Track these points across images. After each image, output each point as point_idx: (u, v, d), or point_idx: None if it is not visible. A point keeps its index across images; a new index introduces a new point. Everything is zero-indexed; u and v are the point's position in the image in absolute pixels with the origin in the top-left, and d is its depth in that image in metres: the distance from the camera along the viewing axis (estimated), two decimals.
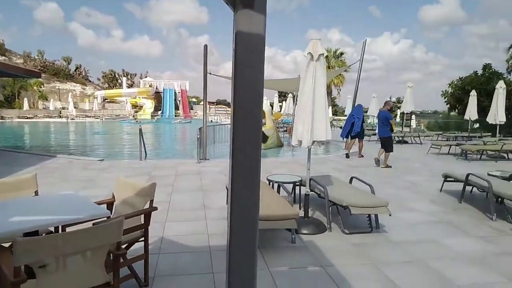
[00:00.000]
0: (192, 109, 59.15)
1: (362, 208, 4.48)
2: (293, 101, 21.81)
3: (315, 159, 10.91)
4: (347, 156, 11.59)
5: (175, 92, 56.34)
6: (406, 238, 4.58)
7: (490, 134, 17.58)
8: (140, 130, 10.30)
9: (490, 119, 12.79)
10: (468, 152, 11.38)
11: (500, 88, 12.25)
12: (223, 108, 63.37)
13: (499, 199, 5.53)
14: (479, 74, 22.09)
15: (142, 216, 3.13)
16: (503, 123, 12.53)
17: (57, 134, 24.60)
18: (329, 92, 45.02)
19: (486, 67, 21.99)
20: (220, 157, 11.64)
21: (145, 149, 11.73)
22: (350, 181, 5.76)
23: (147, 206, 3.23)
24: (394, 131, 13.44)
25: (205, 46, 9.96)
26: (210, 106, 62.05)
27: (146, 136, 23.51)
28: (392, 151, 9.94)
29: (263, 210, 4.08)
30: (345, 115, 29.36)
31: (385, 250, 4.17)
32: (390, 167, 9.68)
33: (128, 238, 2.99)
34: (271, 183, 5.68)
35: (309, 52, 4.57)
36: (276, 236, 4.46)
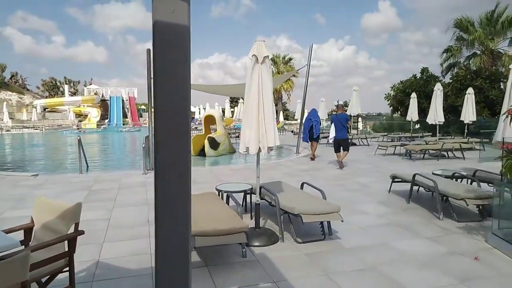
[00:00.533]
0: (141, 116, 57.16)
1: (314, 215, 4.33)
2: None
3: (266, 165, 10.77)
4: (312, 158, 12.03)
5: (122, 100, 54.22)
6: (359, 243, 4.49)
7: (430, 134, 18.56)
8: (79, 141, 9.54)
9: (430, 119, 13.45)
10: (412, 152, 11.84)
11: (438, 90, 12.94)
12: None
13: (444, 197, 5.66)
14: (418, 77, 23.37)
15: (66, 242, 2.70)
16: (442, 123, 13.23)
17: None
18: (279, 97, 45.65)
19: (424, 70, 23.35)
20: None
21: (86, 161, 10.94)
22: (302, 187, 5.62)
23: (72, 230, 2.80)
24: None
25: (148, 51, 9.46)
26: None
27: (90, 146, 22.22)
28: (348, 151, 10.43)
29: (210, 224, 3.78)
30: (296, 119, 29.82)
31: (338, 259, 4.04)
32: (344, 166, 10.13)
33: (47, 270, 2.55)
34: (220, 193, 5.39)
35: (254, 55, 4.35)
36: (226, 251, 4.16)
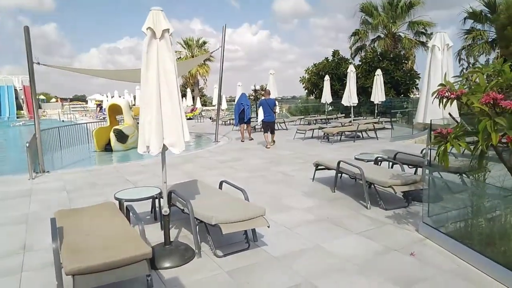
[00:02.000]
0: (40, 108, 51.07)
1: (235, 224, 3.59)
2: None
3: (182, 157, 9.79)
4: (247, 139, 13.06)
5: (16, 89, 47.69)
6: (288, 248, 3.89)
7: (343, 115, 19.18)
8: None
9: (344, 101, 13.65)
10: (329, 134, 11.83)
11: (351, 72, 13.12)
12: (80, 104, 56.52)
13: (369, 184, 5.37)
14: (329, 60, 24.00)
15: None
16: (356, 104, 13.51)
17: None
18: (195, 82, 44.13)
19: (335, 53, 24.06)
20: (66, 166, 9.53)
21: None
22: (220, 186, 4.85)
23: None
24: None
25: (26, 28, 7.71)
26: (64, 103, 54.63)
27: None
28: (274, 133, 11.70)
29: (96, 256, 2.81)
30: (213, 105, 28.86)
31: (267, 274, 3.37)
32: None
33: None
34: (120, 203, 4.37)
35: (149, 27, 3.39)
36: (123, 281, 3.23)
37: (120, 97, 32.49)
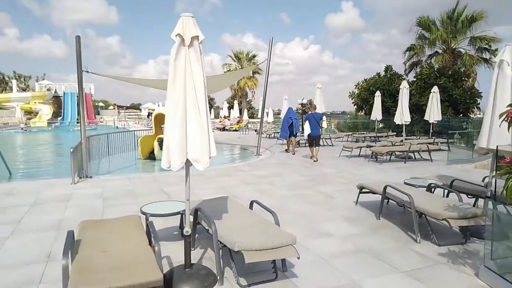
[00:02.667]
0: (98, 114, 54.29)
1: (260, 252, 3.21)
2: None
3: (219, 170, 9.60)
4: (291, 152, 13.30)
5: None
6: (321, 283, 3.43)
7: (395, 133, 18.13)
8: None
9: (396, 119, 12.80)
10: (378, 154, 11.08)
11: (404, 88, 12.30)
12: (134, 112, 59.33)
13: (419, 213, 4.75)
14: (381, 75, 23.00)
15: None
16: (408, 122, 12.63)
17: None
18: (244, 95, 44.55)
19: (388, 68, 23.01)
20: (110, 173, 9.70)
21: (7, 167, 9.30)
22: (251, 206, 4.50)
23: None
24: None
25: (77, 37, 8.00)
26: (120, 111, 57.64)
27: (26, 148, 20.04)
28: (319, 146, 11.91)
29: (105, 277, 2.56)
30: (258, 118, 28.74)
31: None
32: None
33: None
34: (146, 216, 4.16)
35: (178, 34, 3.17)
36: None
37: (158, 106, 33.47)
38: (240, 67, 42.53)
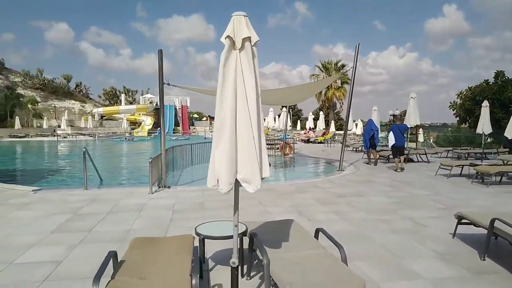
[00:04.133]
0: (193, 125, 57.87)
1: None
2: (287, 114, 20.04)
3: (296, 185, 9.03)
4: (375, 163, 13.27)
5: (175, 108, 55.30)
6: None
7: (507, 150, 15.53)
8: (85, 152, 8.52)
9: (508, 133, 10.81)
10: (485, 174, 9.38)
11: None
12: None
13: None
14: (490, 83, 20.06)
15: None
16: None
17: (25, 154, 23.06)
18: (331, 106, 43.29)
19: (499, 74, 19.92)
20: (187, 183, 9.81)
21: (98, 174, 10.00)
22: (316, 235, 3.86)
23: None
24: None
25: (159, 51, 8.25)
26: (212, 122, 60.74)
27: (125, 155, 21.86)
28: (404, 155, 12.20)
29: None
30: (349, 129, 27.32)
31: None
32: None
33: None
34: (199, 238, 3.82)
35: (228, 36, 2.77)
36: None
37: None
38: (328, 77, 41.49)
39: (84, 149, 8.59)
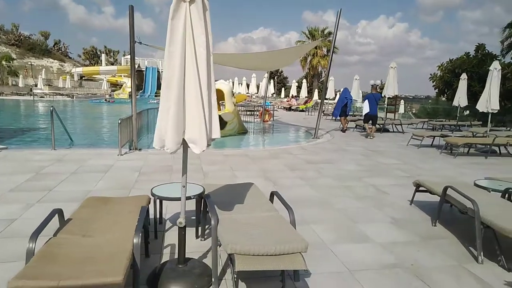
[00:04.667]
0: None
1: (257, 258, 2.62)
2: (269, 80, 19.79)
3: (269, 151, 9.06)
4: (343, 131, 13.92)
5: (158, 71, 54.04)
6: None
7: (480, 123, 15.88)
8: (52, 111, 8.26)
9: (481, 106, 10.98)
10: (453, 145, 9.59)
11: (495, 70, 10.40)
12: None
13: (485, 226, 3.72)
14: (471, 56, 20.16)
15: None
16: (496, 111, 10.74)
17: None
18: (316, 74, 42.99)
19: (480, 47, 19.98)
20: None
21: (68, 135, 9.78)
22: (271, 198, 3.88)
23: None
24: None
25: (131, 7, 7.86)
26: None
27: (103, 117, 21.40)
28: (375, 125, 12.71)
29: (61, 270, 2.20)
30: (330, 99, 27.35)
31: None
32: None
33: None
34: (154, 198, 3.80)
35: None
36: None
37: (229, 82, 33.70)
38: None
39: (51, 108, 8.33)
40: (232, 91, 13.34)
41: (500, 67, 10.61)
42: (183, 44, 2.69)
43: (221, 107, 12.98)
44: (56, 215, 3.00)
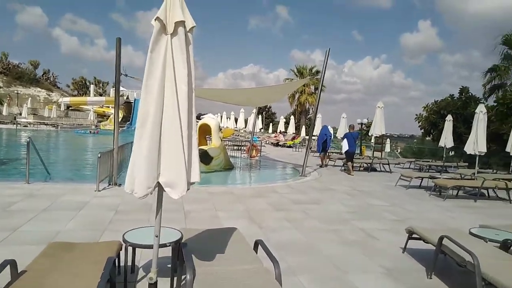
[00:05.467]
0: None
1: None
2: (257, 116, 19.76)
3: (255, 189, 8.74)
4: (322, 166, 14.72)
5: None
6: None
7: (467, 164, 15.94)
8: (29, 143, 7.88)
9: (468, 148, 10.99)
10: (442, 187, 9.44)
11: (481, 113, 10.51)
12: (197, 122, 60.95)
13: (486, 282, 3.45)
14: (455, 97, 20.64)
15: None
16: (483, 153, 10.76)
17: None
18: (303, 111, 43.49)
19: (463, 90, 20.54)
20: None
21: (45, 167, 9.33)
22: (256, 247, 3.54)
23: None
24: (363, 156, 17.09)
25: (118, 39, 7.75)
26: None
27: (86, 149, 20.88)
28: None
29: None
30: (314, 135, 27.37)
31: None
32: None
33: None
34: (126, 245, 3.43)
35: (157, 18, 2.43)
36: None
37: (217, 116, 33.77)
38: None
39: (28, 139, 7.94)
40: (219, 126, 13.15)
41: (485, 110, 10.75)
42: (162, 78, 2.48)
43: (208, 141, 12.75)
44: (8, 266, 2.62)
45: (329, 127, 16.46)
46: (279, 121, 40.20)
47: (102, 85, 72.87)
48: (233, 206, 6.90)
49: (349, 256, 4.66)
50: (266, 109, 72.03)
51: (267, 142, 30.24)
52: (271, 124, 48.07)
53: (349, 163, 12.87)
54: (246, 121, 36.63)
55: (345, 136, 13.35)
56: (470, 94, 20.31)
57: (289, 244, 4.92)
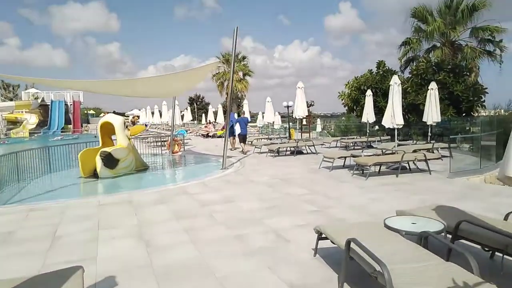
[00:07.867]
0: (89, 122, 52.44)
1: None
2: (173, 107, 18.31)
3: (161, 192, 7.54)
4: (232, 149, 15.50)
5: (66, 104, 49.53)
6: None
7: (389, 137, 16.12)
8: None
9: (386, 122, 10.78)
10: (364, 166, 9.03)
11: (395, 84, 10.25)
12: None
13: None
14: (374, 72, 20.95)
15: None
16: (401, 126, 10.59)
17: None
18: (234, 98, 42.52)
19: (380, 64, 20.90)
20: (35, 197, 7.79)
21: None
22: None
23: None
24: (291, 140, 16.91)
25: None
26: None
27: None
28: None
29: None
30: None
31: None
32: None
33: None
34: None
35: None
36: None
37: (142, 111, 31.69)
38: (229, 70, 40.56)
39: None
40: (125, 123, 11.63)
41: (400, 81, 10.53)
42: None
43: (114, 142, 11.21)
44: None
45: (235, 114, 18.59)
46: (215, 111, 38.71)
47: (13, 89, 65.52)
48: (122, 221, 5.68)
49: (249, 273, 3.74)
50: (200, 100, 69.99)
51: (197, 134, 28.89)
52: (203, 114, 46.49)
53: (242, 143, 14.85)
54: (179, 115, 34.73)
55: (237, 120, 15.61)
56: (387, 67, 20.73)
57: (177, 269, 3.88)
